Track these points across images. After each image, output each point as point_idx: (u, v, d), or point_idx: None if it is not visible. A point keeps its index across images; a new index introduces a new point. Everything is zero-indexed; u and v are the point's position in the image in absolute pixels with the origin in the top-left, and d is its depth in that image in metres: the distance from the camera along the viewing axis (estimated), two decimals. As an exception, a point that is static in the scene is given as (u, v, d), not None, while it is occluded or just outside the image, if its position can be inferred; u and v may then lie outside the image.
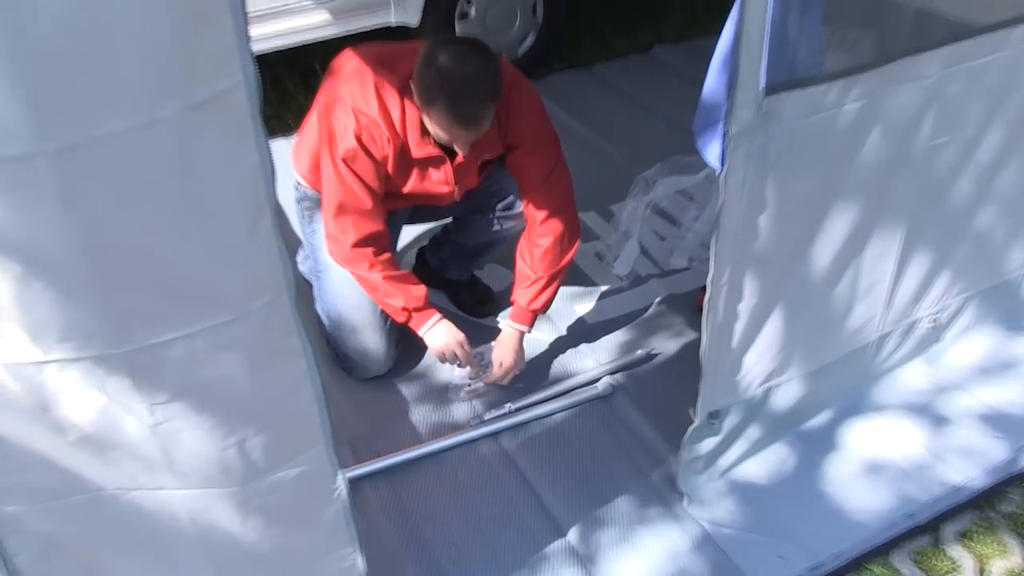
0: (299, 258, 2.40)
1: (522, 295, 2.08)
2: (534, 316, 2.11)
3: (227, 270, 1.06)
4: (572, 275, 2.38)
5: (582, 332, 2.33)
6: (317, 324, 2.17)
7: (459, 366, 2.08)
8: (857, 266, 1.77)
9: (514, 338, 2.11)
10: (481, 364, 2.12)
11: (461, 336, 2.04)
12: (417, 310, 2.00)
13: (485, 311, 2.37)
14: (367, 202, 1.87)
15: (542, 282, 2.06)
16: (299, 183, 2.15)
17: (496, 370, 2.12)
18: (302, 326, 1.16)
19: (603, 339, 2.30)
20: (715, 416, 1.77)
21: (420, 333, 2.02)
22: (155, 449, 1.17)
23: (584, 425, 2.06)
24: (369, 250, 1.91)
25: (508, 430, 2.04)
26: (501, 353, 2.11)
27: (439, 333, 2.02)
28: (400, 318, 2.00)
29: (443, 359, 2.06)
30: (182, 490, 1.23)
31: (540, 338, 2.30)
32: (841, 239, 1.69)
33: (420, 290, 1.99)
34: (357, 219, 1.88)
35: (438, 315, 2.02)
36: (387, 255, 1.94)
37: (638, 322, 2.37)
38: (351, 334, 2.10)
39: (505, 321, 2.13)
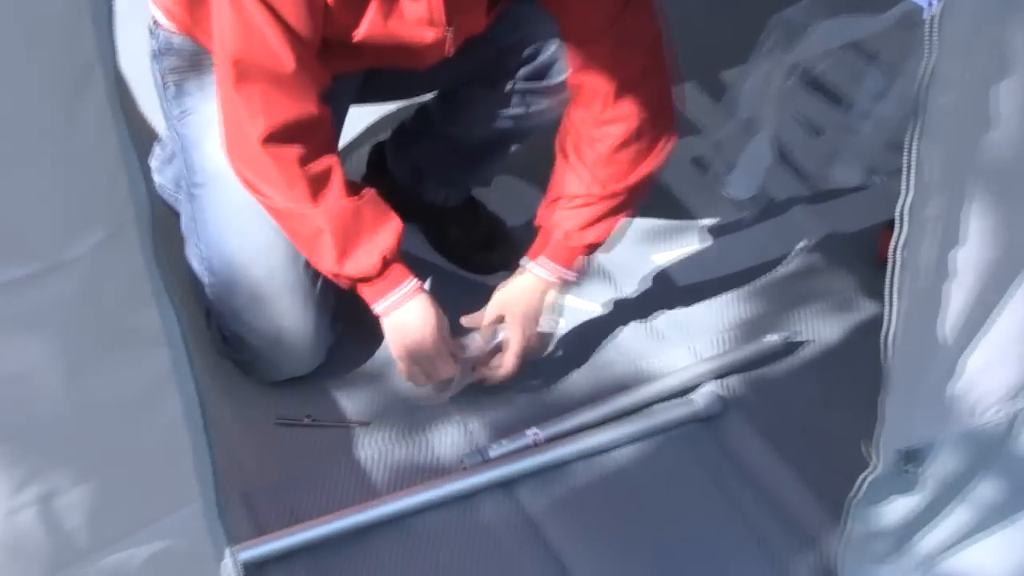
0: (154, 163, 2.40)
1: (564, 217, 2.08)
2: (581, 256, 2.10)
3: (21, 186, 1.05)
4: (649, 196, 2.34)
5: (666, 300, 2.34)
6: (192, 285, 2.18)
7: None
8: None
9: (539, 292, 2.11)
10: (468, 358, 2.14)
11: (442, 324, 2.04)
12: (385, 269, 1.98)
13: (491, 261, 2.38)
14: (286, 60, 1.86)
15: (605, 204, 2.06)
16: (156, 23, 2.16)
17: (498, 359, 2.13)
18: (164, 289, 1.16)
19: (704, 313, 2.32)
20: (913, 459, 1.75)
21: (378, 310, 2.01)
22: None
23: (669, 469, 2.07)
24: (294, 151, 1.89)
25: (531, 477, 2.04)
26: (517, 323, 2.11)
27: (412, 317, 2.00)
28: (345, 282, 2.00)
29: (408, 374, 2.08)
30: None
31: (585, 308, 2.30)
32: None
33: (392, 227, 1.98)
34: (269, 92, 1.88)
35: (415, 281, 2.02)
36: (328, 161, 1.93)
37: (768, 284, 2.36)
38: (253, 304, 2.10)
39: (525, 264, 2.13)
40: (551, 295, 2.12)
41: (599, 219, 2.08)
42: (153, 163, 2.38)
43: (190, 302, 2.17)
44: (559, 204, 2.09)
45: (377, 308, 2.01)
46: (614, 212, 2.09)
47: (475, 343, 2.15)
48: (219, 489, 1.30)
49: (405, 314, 2.01)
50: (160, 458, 1.25)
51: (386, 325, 2.03)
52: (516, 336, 2.11)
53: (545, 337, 2.16)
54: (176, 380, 1.20)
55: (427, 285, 2.19)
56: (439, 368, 2.06)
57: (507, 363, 2.12)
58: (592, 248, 2.12)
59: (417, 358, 2.04)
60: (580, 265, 2.13)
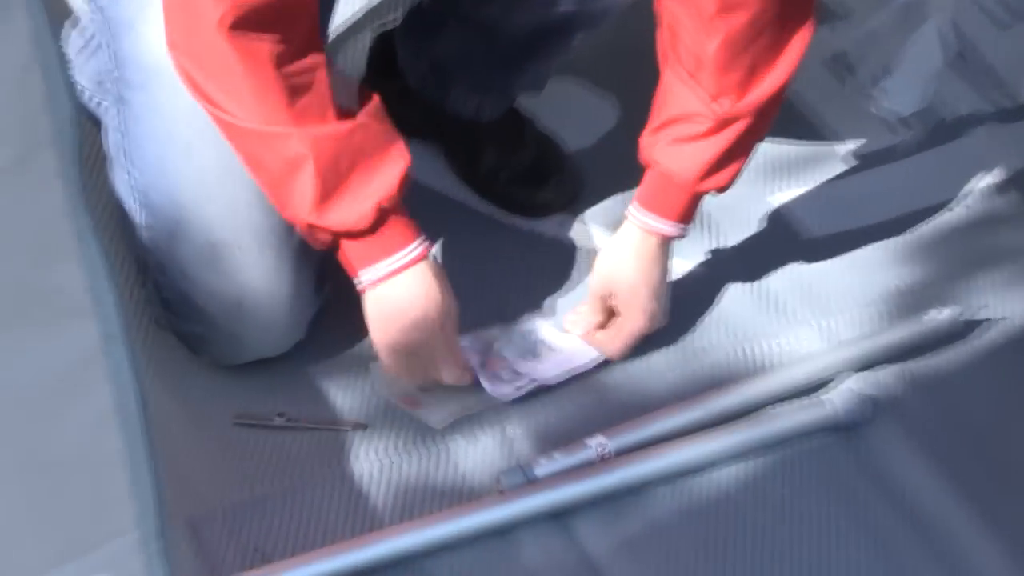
0: (70, 54, 2.41)
1: (678, 153, 2.11)
2: (697, 202, 2.12)
3: None
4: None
5: (787, 256, 2.38)
6: (120, 227, 2.20)
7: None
8: None
9: (658, 252, 2.15)
10: (500, 357, 2.20)
11: (451, 307, 2.07)
12: (381, 222, 1.99)
13: (541, 198, 2.44)
14: None
15: (729, 132, 2.08)
16: None
17: (602, 329, 2.19)
18: (92, 237, 1.17)
19: (841, 278, 2.36)
20: None
21: (363, 282, 2.04)
22: None
23: (790, 498, 2.08)
24: (267, 44, 1.88)
25: (594, 505, 2.05)
26: (636, 296, 2.17)
27: (406, 292, 2.03)
28: (324, 237, 2.01)
29: (393, 368, 2.12)
30: None
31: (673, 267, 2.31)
32: None
33: (396, 163, 1.98)
34: None
35: (421, 244, 2.03)
36: (313, 61, 1.94)
37: (935, 237, 2.40)
38: (207, 253, 2.10)
39: (634, 211, 2.17)
40: (668, 252, 2.18)
41: (723, 154, 2.09)
42: (68, 54, 2.37)
43: (119, 251, 2.19)
44: (667, 133, 2.10)
45: (362, 278, 2.03)
46: (740, 144, 2.09)
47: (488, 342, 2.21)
48: (162, 515, 1.28)
49: (397, 288, 2.01)
50: (82, 470, 1.23)
51: (369, 301, 2.04)
52: (634, 315, 2.16)
53: (664, 305, 2.19)
54: (106, 362, 1.19)
55: (450, 231, 2.21)
56: (440, 367, 2.08)
57: (617, 346, 2.18)
58: (719, 190, 2.15)
59: (410, 351, 2.06)
60: (696, 208, 2.18)
